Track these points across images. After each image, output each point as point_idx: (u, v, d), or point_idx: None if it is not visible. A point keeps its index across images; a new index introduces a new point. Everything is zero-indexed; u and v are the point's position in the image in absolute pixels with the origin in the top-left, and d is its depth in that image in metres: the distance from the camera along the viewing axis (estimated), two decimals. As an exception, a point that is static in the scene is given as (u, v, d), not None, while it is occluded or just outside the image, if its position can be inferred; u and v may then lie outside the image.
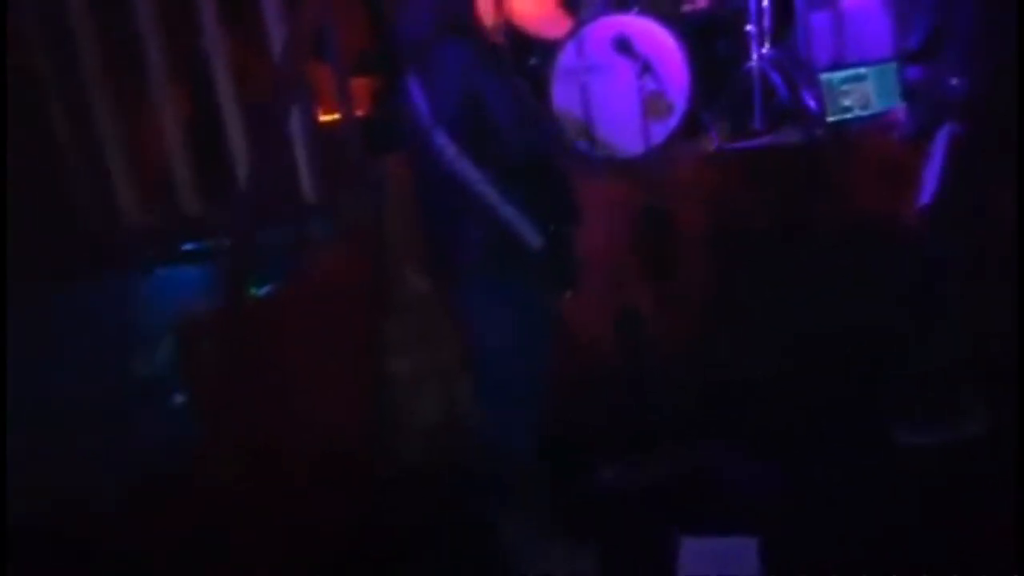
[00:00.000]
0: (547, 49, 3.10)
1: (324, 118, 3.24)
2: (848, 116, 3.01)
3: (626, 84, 2.36)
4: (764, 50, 3.23)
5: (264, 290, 2.31)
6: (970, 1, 2.08)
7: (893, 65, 2.75)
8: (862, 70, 3.02)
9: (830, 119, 3.01)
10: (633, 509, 2.25)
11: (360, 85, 3.53)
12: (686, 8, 3.43)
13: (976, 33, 2.07)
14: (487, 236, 1.82)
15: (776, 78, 3.16)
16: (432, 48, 1.82)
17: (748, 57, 3.22)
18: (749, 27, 3.19)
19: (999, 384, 2.25)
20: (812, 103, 3.12)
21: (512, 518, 2.00)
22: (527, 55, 3.35)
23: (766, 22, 3.23)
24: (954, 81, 2.08)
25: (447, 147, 1.76)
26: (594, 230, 2.09)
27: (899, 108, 2.45)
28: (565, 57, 2.97)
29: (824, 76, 3.03)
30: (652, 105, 2.55)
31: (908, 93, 2.28)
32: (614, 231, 2.73)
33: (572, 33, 2.97)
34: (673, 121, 2.89)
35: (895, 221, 2.37)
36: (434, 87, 1.80)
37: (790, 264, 2.86)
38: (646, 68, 2.27)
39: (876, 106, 2.97)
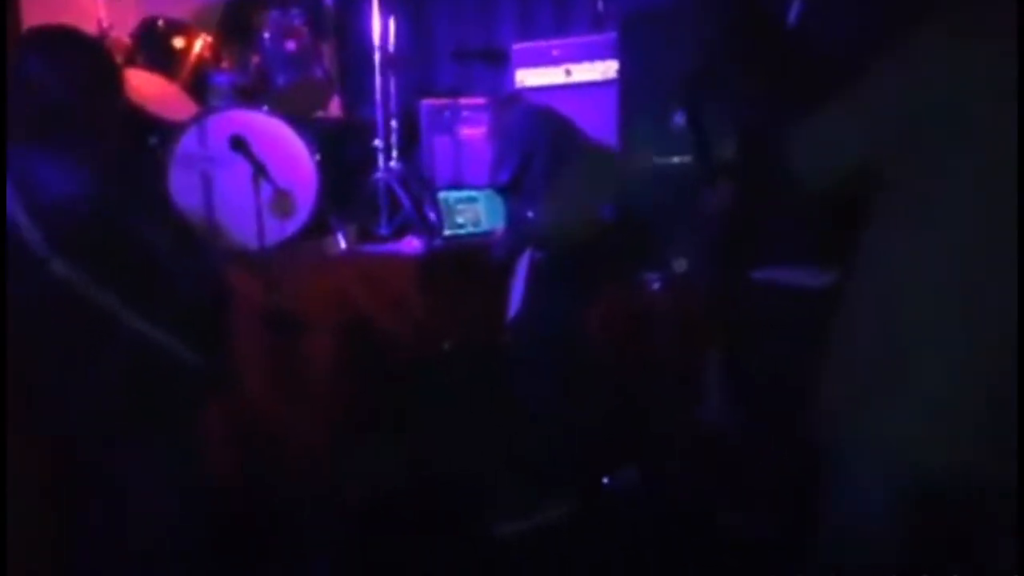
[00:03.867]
0: (168, 131, 2.92)
1: None
2: (462, 232, 3.34)
3: (245, 180, 2.31)
4: (392, 164, 3.48)
5: None
6: (544, 151, 2.51)
7: (499, 191, 3.16)
8: (474, 193, 3.40)
9: (447, 232, 3.32)
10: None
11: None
12: (319, 114, 3.54)
13: (545, 175, 2.49)
14: (132, 367, 1.54)
15: (400, 191, 3.39)
16: (40, 156, 1.48)
17: (376, 168, 3.42)
18: (377, 141, 3.41)
19: (585, 472, 2.59)
20: (432, 216, 3.41)
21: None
22: (147, 134, 3.12)
23: (394, 139, 3.50)
24: (530, 213, 2.47)
25: (76, 277, 1.46)
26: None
27: (499, 229, 2.80)
28: (186, 142, 2.82)
29: (442, 195, 3.35)
30: (278, 204, 2.54)
31: (505, 219, 2.63)
32: (242, 330, 2.59)
33: (196, 119, 2.85)
34: (298, 221, 2.90)
35: (496, 332, 2.65)
36: (41, 205, 1.46)
37: (413, 370, 2.99)
38: (261, 171, 2.25)
39: (485, 225, 3.36)
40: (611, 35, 3.53)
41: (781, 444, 2.36)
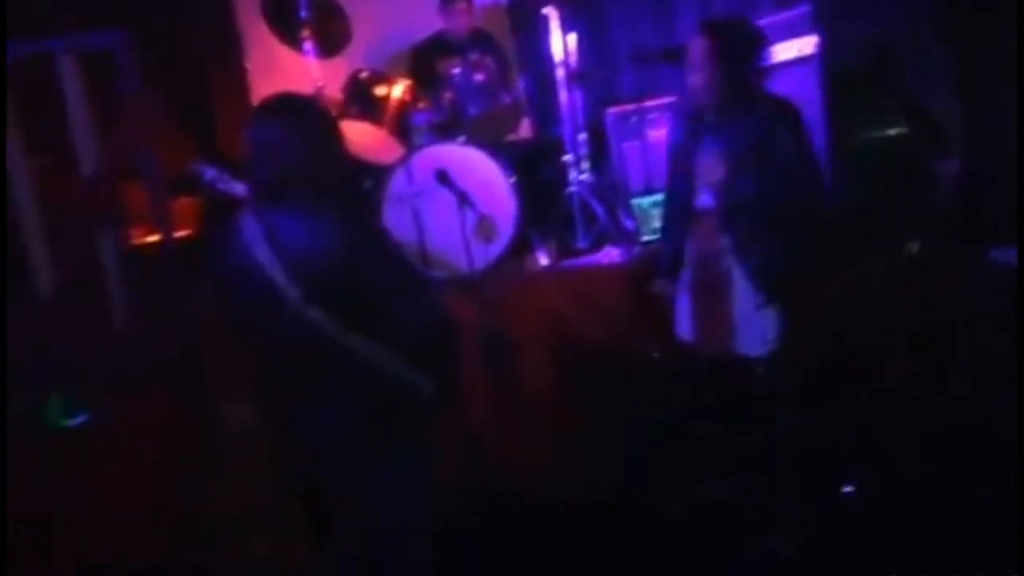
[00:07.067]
0: (379, 174, 3.18)
1: (142, 240, 3.09)
2: (659, 236, 3.28)
3: (451, 210, 2.45)
4: (583, 176, 3.51)
5: (75, 420, 2.09)
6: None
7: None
8: (669, 195, 3.33)
9: (644, 239, 3.27)
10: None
11: (184, 205, 3.41)
12: (510, 138, 3.67)
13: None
14: (366, 396, 1.69)
15: (595, 202, 3.41)
16: (284, 216, 1.66)
17: (569, 182, 3.47)
18: (567, 156, 3.46)
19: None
20: (629, 224, 3.39)
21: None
22: (363, 180, 3.41)
23: (583, 151, 3.53)
24: None
25: (322, 321, 1.62)
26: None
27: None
28: (396, 183, 3.05)
29: (636, 201, 3.31)
30: (482, 229, 2.66)
31: None
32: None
33: (402, 160, 3.08)
34: (502, 243, 3.02)
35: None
36: (292, 261, 1.62)
37: (623, 378, 2.98)
38: (464, 200, 2.37)
39: (683, 227, 3.27)
40: (802, 9, 3.32)
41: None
